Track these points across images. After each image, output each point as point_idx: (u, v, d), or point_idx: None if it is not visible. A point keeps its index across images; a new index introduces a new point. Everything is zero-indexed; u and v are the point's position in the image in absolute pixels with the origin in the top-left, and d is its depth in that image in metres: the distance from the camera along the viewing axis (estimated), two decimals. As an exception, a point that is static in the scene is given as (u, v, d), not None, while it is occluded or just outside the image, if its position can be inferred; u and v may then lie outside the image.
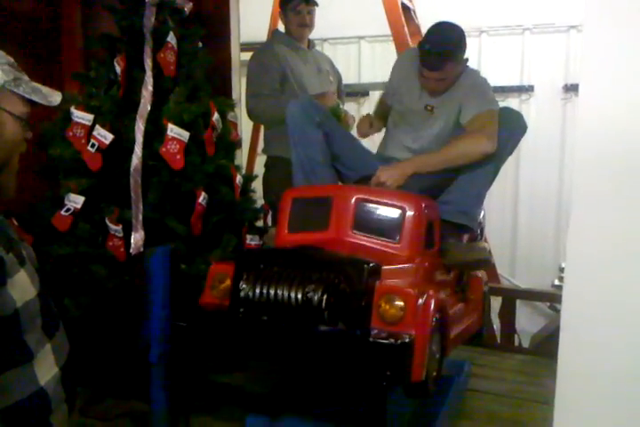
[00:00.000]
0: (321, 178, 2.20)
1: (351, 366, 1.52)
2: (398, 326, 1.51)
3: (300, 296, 1.55)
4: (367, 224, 1.87)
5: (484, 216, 2.34)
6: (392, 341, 1.46)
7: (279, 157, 2.84)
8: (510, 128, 2.13)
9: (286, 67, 2.90)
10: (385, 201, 1.90)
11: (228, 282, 1.67)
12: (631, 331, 1.15)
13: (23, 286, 1.07)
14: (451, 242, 2.07)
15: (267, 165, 3.10)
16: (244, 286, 1.61)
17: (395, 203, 1.89)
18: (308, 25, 2.98)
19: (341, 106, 2.89)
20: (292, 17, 2.95)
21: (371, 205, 1.90)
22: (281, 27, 3.27)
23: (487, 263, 2.21)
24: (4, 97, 1.13)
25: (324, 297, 1.53)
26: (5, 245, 1.05)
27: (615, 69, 1.13)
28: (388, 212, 1.89)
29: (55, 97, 1.21)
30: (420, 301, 1.53)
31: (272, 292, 1.58)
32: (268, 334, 1.59)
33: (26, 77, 1.17)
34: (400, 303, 1.51)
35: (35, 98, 1.17)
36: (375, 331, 1.51)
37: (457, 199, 2.13)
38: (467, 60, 2.26)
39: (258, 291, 1.59)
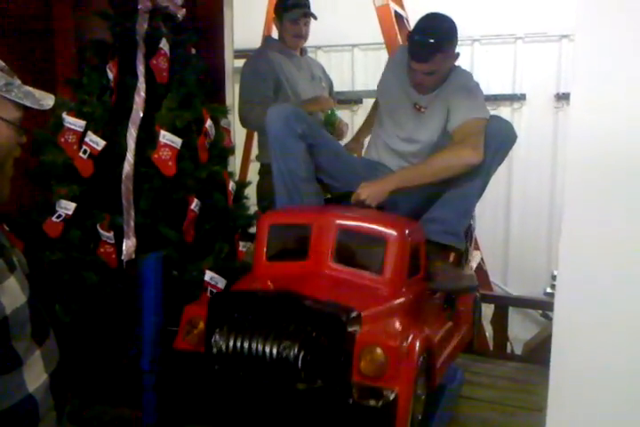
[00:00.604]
0: (304, 194, 2.14)
1: (330, 425, 1.46)
2: (380, 380, 1.44)
3: (275, 351, 1.46)
4: (348, 255, 1.78)
5: (474, 223, 2.32)
6: (374, 403, 1.40)
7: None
8: (499, 139, 2.05)
9: (280, 73, 2.90)
10: (366, 230, 1.80)
11: (202, 326, 1.60)
12: (624, 338, 1.15)
13: (13, 293, 1.07)
14: (437, 266, 1.99)
15: (260, 173, 3.10)
16: (217, 338, 1.52)
17: (376, 232, 1.78)
18: (304, 36, 2.99)
19: (335, 112, 2.90)
20: (289, 27, 2.95)
21: (351, 234, 1.80)
22: (274, 33, 3.29)
23: (475, 289, 2.15)
24: None
25: (301, 354, 1.44)
26: None
27: (606, 78, 1.14)
28: (369, 242, 1.79)
29: (47, 100, 1.21)
30: (404, 351, 1.45)
31: (246, 346, 1.48)
32: (243, 391, 1.52)
33: (17, 82, 1.17)
34: (381, 356, 1.43)
35: (27, 103, 1.17)
36: (356, 388, 1.43)
37: (443, 217, 2.05)
38: (458, 54, 2.18)
39: (231, 344, 1.50)
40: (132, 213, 2.15)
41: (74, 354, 1.32)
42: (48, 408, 1.12)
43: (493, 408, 2.29)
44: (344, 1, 4.82)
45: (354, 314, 1.50)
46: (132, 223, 2.14)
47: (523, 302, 3.68)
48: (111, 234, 2.14)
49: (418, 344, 1.50)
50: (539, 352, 3.34)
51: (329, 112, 2.84)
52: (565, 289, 1.21)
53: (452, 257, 2.10)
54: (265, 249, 1.85)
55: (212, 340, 1.52)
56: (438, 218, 2.05)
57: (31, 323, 1.10)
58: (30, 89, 1.19)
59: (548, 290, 4.92)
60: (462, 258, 2.18)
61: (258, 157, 3.15)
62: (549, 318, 4.47)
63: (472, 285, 2.05)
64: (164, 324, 1.99)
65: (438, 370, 1.70)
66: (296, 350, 1.44)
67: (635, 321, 1.13)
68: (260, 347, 1.47)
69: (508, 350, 3.37)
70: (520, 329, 4.13)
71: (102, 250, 2.16)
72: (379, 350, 1.44)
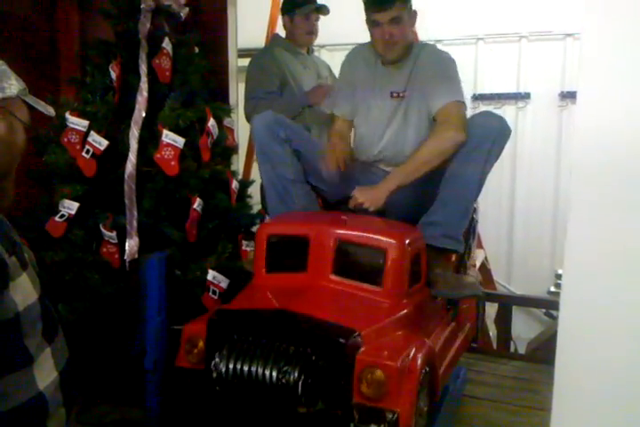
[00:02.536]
0: (294, 195, 2.14)
1: None
2: (382, 401, 1.43)
3: (275, 376, 1.46)
4: (347, 267, 1.77)
5: (477, 217, 2.30)
6: (374, 426, 1.40)
7: None
8: (493, 135, 2.01)
9: (286, 71, 2.90)
10: (365, 241, 1.78)
11: (202, 345, 1.60)
12: (628, 337, 1.15)
13: (25, 290, 1.07)
14: (438, 273, 1.98)
15: None
16: (217, 361, 1.52)
17: (376, 243, 1.76)
18: (315, 33, 2.99)
19: None
20: (301, 23, 2.94)
21: (350, 245, 1.78)
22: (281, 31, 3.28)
23: (477, 295, 2.12)
24: (16, 105, 1.14)
25: (301, 378, 1.44)
26: (8, 248, 1.05)
27: (613, 77, 1.14)
28: (369, 253, 1.77)
29: (50, 110, 1.24)
30: (404, 367, 1.45)
31: (246, 369, 1.48)
32: (244, 413, 1.53)
33: (27, 88, 1.20)
34: (382, 377, 1.43)
35: (39, 108, 1.19)
36: (357, 410, 1.43)
37: (442, 220, 2.02)
38: (415, 12, 2.19)
39: (232, 368, 1.49)
40: (135, 213, 2.15)
41: (78, 353, 1.33)
42: (57, 405, 1.13)
43: (497, 407, 2.29)
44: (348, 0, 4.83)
45: (354, 336, 1.50)
46: (135, 223, 2.15)
47: (526, 301, 3.67)
48: (114, 234, 2.15)
49: (419, 361, 1.49)
50: (542, 351, 3.34)
51: None
52: (571, 289, 1.21)
53: (453, 259, 2.10)
54: (264, 260, 1.85)
55: (212, 363, 1.52)
56: (437, 221, 2.03)
57: (42, 320, 1.11)
58: (34, 98, 1.22)
59: (552, 289, 4.91)
60: (463, 259, 2.18)
61: None
62: (553, 317, 4.47)
63: (473, 293, 2.03)
64: (168, 323, 1.99)
65: (441, 379, 1.70)
66: (296, 374, 1.44)
67: (639, 321, 1.13)
68: (259, 371, 1.47)
69: (512, 348, 3.36)
70: (523, 328, 4.12)
71: (105, 250, 2.16)
72: (379, 372, 1.43)
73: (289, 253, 1.84)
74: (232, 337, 1.54)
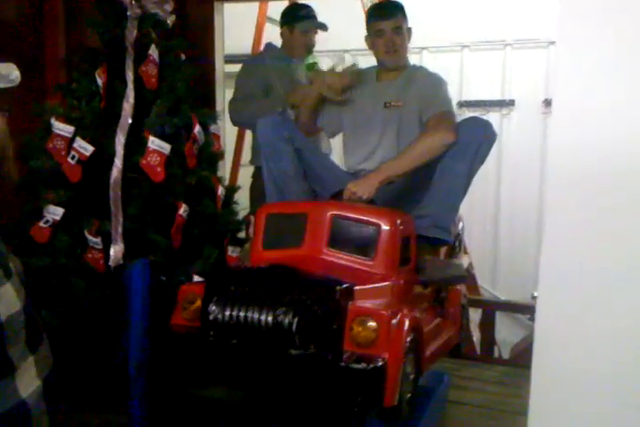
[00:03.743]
0: (294, 190, 2.25)
1: (323, 390, 1.50)
2: (371, 348, 1.48)
3: (270, 319, 1.52)
4: (342, 241, 1.85)
5: (463, 228, 2.37)
6: (364, 366, 1.44)
7: None
8: (480, 139, 2.17)
9: (274, 79, 2.93)
10: (360, 218, 1.88)
11: (199, 303, 1.64)
12: (605, 343, 1.17)
13: (8, 300, 1.06)
14: (427, 258, 2.07)
15: (254, 176, 3.12)
16: (213, 308, 1.57)
17: (370, 220, 1.87)
18: (312, 45, 3.03)
19: (316, 57, 2.96)
20: (299, 37, 3.00)
21: (346, 221, 1.88)
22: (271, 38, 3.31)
23: (464, 279, 2.23)
24: None
25: (295, 320, 1.50)
26: None
27: (588, 85, 1.16)
28: (363, 229, 1.87)
29: (13, 72, 1.20)
30: (394, 321, 1.51)
31: (242, 314, 1.54)
32: (238, 358, 1.57)
33: None
34: (373, 325, 1.49)
35: (1, 84, 1.16)
36: (347, 355, 1.48)
37: (432, 213, 2.16)
38: (410, 29, 2.41)
39: (227, 314, 1.55)
40: (121, 219, 2.15)
41: (61, 359, 1.33)
42: (41, 414, 1.12)
43: (481, 412, 2.30)
44: (341, 6, 4.85)
45: (345, 286, 1.57)
46: (120, 229, 2.15)
47: (510, 307, 3.70)
48: (99, 240, 2.14)
49: (407, 321, 1.55)
50: (526, 356, 3.34)
51: (307, 59, 2.87)
52: (547, 293, 1.23)
53: (442, 251, 2.20)
54: (262, 238, 1.92)
55: (208, 309, 1.57)
56: (427, 213, 2.17)
57: (26, 329, 1.11)
58: None
59: (536, 294, 4.93)
60: (454, 252, 2.25)
61: (251, 161, 3.18)
62: (537, 322, 4.49)
63: (460, 274, 2.12)
64: (151, 330, 1.99)
65: (426, 359, 1.74)
66: (291, 316, 1.50)
67: (615, 324, 1.15)
68: (255, 315, 1.53)
69: (496, 353, 3.38)
70: (508, 333, 4.15)
71: (90, 256, 2.16)
72: (370, 320, 1.50)
73: (286, 230, 1.91)
74: (229, 288, 1.60)
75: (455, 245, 2.29)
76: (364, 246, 1.84)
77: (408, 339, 1.55)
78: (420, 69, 2.49)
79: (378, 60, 2.45)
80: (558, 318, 1.21)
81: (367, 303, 1.59)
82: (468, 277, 2.30)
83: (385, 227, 1.84)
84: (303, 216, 1.88)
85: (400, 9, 2.38)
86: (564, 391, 1.21)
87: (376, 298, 1.67)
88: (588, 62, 1.16)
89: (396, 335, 1.51)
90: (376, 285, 1.73)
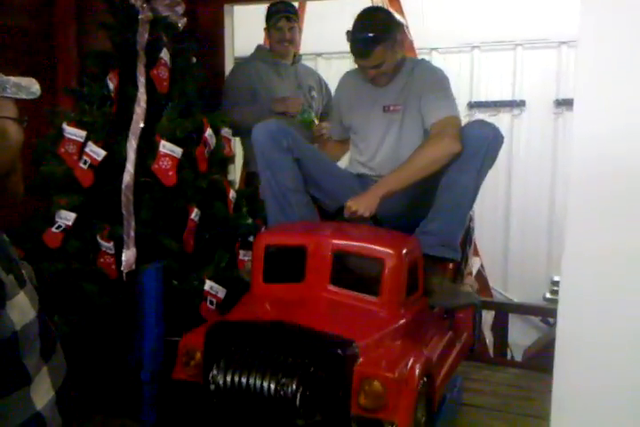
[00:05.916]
0: (295, 205, 2.14)
1: None
2: (379, 413, 1.43)
3: (273, 388, 1.44)
4: (345, 277, 1.78)
5: (473, 225, 2.30)
6: None
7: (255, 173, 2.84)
8: (487, 143, 2.01)
9: (257, 82, 2.91)
10: (362, 251, 1.79)
11: (199, 357, 1.60)
12: (627, 345, 1.15)
13: (22, 309, 1.05)
14: (434, 282, 1.98)
15: (246, 182, 3.10)
16: (215, 373, 1.51)
17: (373, 253, 1.76)
18: (289, 40, 2.99)
19: (313, 113, 2.87)
20: (274, 33, 2.97)
21: (347, 255, 1.79)
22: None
23: (474, 306, 2.14)
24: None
25: (299, 391, 1.43)
26: (5, 266, 1.03)
27: (609, 86, 1.14)
28: (366, 263, 1.77)
29: (34, 85, 1.19)
30: (402, 378, 1.45)
31: (244, 381, 1.47)
32: (243, 423, 1.53)
33: (4, 77, 1.16)
34: (380, 389, 1.43)
35: (22, 96, 1.16)
36: (354, 421, 1.43)
37: (438, 230, 2.02)
38: (402, 41, 2.22)
39: (229, 380, 1.48)
40: (133, 224, 2.15)
41: (74, 365, 1.32)
42: (56, 425, 1.12)
43: (494, 416, 2.29)
44: (346, 7, 4.83)
45: (351, 347, 1.50)
46: (133, 233, 2.14)
47: (523, 309, 3.68)
48: (111, 244, 2.14)
49: (417, 372, 1.49)
50: (539, 358, 3.34)
51: (303, 113, 2.83)
52: (568, 297, 1.21)
53: (449, 268, 2.10)
54: (262, 270, 1.85)
55: (210, 375, 1.52)
56: (433, 230, 2.03)
57: (40, 338, 1.10)
58: (14, 79, 1.18)
59: (548, 295, 4.92)
60: (460, 268, 2.18)
61: (244, 166, 3.21)
62: (549, 324, 4.47)
63: (469, 302, 2.04)
64: (165, 334, 1.99)
65: (439, 389, 1.70)
66: (294, 386, 1.43)
67: (637, 328, 1.13)
68: (257, 383, 1.46)
69: (508, 356, 3.36)
70: (520, 335, 4.12)
71: (102, 260, 2.16)
72: (377, 383, 1.44)
73: (286, 263, 1.84)
74: (230, 349, 1.54)
75: (464, 256, 2.21)
76: (369, 283, 1.75)
77: (420, 382, 1.50)
78: (419, 65, 2.28)
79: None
80: (580, 321, 1.20)
81: (374, 358, 1.52)
82: (479, 304, 2.21)
83: (389, 260, 1.73)
84: (303, 249, 1.80)
85: (379, 43, 2.10)
86: (585, 394, 1.20)
87: (383, 347, 1.59)
88: (609, 61, 1.15)
89: (405, 398, 1.45)
90: (382, 332, 1.65)
